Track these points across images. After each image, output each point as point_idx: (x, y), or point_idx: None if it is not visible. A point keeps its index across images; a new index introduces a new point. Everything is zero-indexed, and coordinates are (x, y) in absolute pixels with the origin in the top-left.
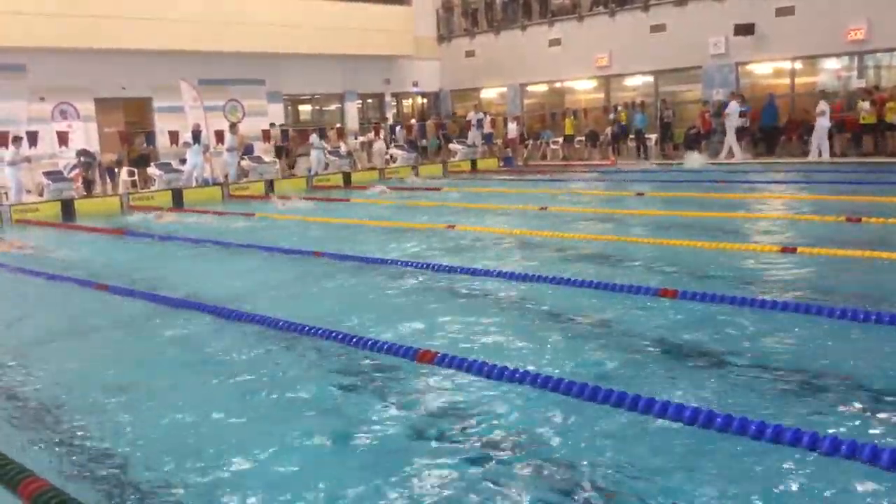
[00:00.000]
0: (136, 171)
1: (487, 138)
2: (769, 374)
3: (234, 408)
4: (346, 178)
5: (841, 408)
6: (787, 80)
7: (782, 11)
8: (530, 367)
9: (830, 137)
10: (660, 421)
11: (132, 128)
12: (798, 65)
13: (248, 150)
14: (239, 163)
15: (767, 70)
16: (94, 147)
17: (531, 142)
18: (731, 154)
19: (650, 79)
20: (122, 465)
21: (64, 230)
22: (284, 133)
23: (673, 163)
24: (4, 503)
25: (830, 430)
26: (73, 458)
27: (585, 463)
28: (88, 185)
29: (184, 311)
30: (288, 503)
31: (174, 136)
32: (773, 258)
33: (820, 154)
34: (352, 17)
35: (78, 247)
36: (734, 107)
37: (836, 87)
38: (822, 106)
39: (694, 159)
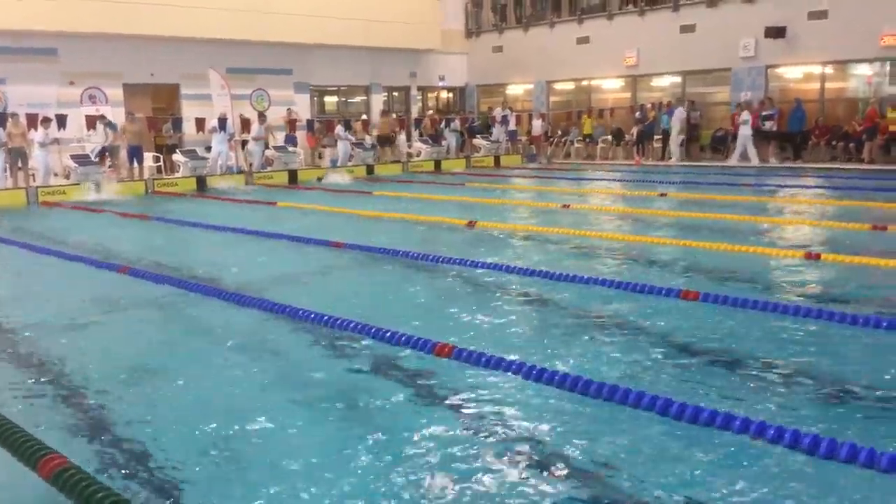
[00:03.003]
0: (161, 156)
1: (512, 135)
2: (788, 379)
3: (252, 393)
4: (370, 170)
5: (863, 416)
6: (816, 85)
7: (815, 15)
8: (547, 365)
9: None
10: (674, 422)
11: (159, 114)
12: (829, 70)
13: (291, 140)
14: (263, 152)
15: (797, 74)
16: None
17: (556, 139)
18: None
19: (678, 79)
20: (142, 445)
21: (89, 213)
22: (310, 123)
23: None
24: (24, 480)
25: (847, 439)
26: (93, 436)
27: (599, 462)
28: (106, 152)
29: (203, 296)
30: (302, 487)
31: (201, 124)
32: (796, 263)
33: (745, 158)
34: (380, 10)
35: (101, 230)
36: (681, 112)
37: (868, 94)
38: (745, 115)
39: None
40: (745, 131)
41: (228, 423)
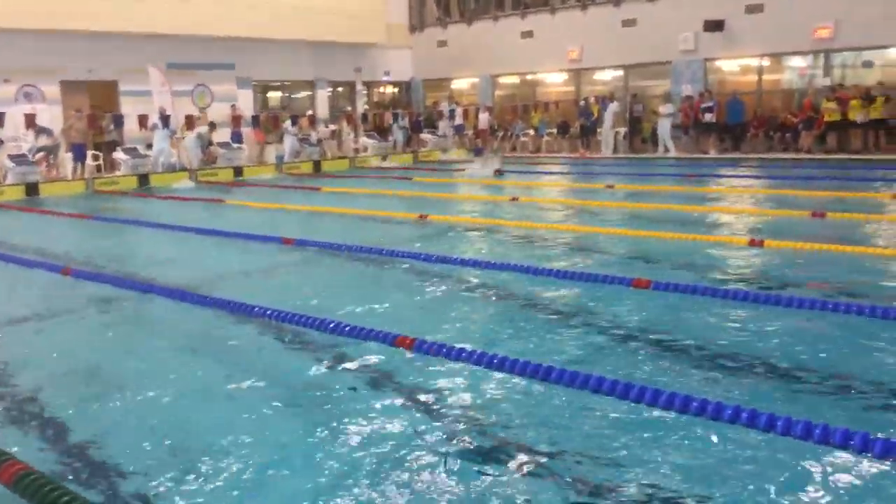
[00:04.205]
0: (101, 155)
1: (458, 129)
2: (739, 361)
3: (204, 392)
4: (317, 166)
5: (802, 393)
6: (754, 77)
7: (752, 8)
8: (504, 353)
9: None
10: (629, 405)
11: (98, 111)
12: (765, 62)
13: (235, 136)
14: (205, 149)
15: (735, 67)
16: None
17: (502, 133)
18: (614, 149)
19: (620, 73)
20: (95, 449)
21: (28, 213)
22: (255, 119)
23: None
24: None
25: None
26: (44, 441)
27: (555, 447)
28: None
29: (150, 295)
30: (259, 486)
31: (142, 121)
32: (742, 250)
33: (666, 150)
34: (323, 3)
35: (42, 230)
36: (615, 106)
37: (803, 85)
38: (668, 108)
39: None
40: (666, 124)
41: (181, 423)
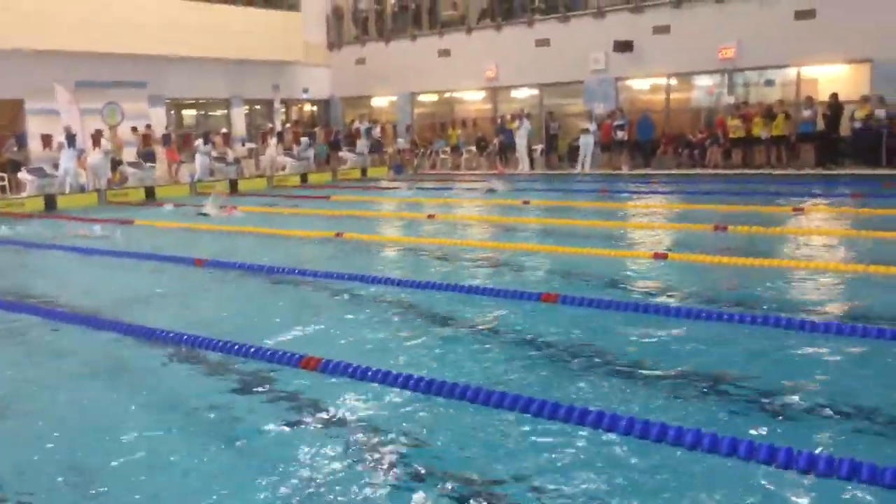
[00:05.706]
0: (5, 176)
1: (376, 147)
2: (642, 372)
3: (109, 420)
4: (233, 185)
5: (700, 402)
6: (662, 96)
7: (659, 30)
8: (416, 372)
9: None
10: (541, 422)
11: (2, 131)
12: (673, 81)
13: (147, 155)
14: (116, 167)
15: (645, 86)
16: None
17: (422, 150)
18: (529, 166)
19: (536, 91)
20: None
21: None
22: (166, 137)
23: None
24: None
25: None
26: None
27: (472, 466)
28: None
29: (55, 321)
30: None
31: (46, 140)
32: (646, 264)
33: (583, 167)
34: (239, 21)
35: None
36: (527, 124)
37: (709, 104)
38: (592, 126)
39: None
40: (588, 140)
41: (86, 455)
